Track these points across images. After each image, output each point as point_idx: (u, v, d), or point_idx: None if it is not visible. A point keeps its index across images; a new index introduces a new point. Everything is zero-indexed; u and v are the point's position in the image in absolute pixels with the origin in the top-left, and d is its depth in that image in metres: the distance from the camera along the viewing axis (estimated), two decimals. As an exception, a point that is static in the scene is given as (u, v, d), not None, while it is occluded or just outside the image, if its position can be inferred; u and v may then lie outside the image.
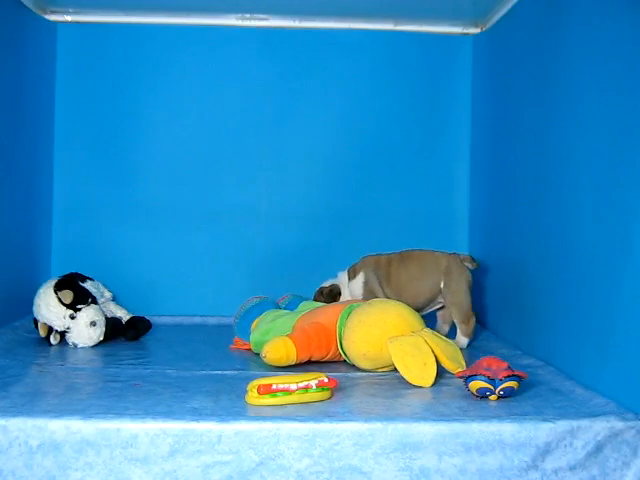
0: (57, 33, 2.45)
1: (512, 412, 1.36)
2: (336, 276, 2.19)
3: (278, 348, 1.69)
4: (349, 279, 2.15)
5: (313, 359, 1.75)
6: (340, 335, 1.75)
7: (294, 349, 1.69)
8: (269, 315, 1.95)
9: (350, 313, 1.76)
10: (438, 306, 2.11)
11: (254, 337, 1.89)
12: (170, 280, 2.48)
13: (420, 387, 1.56)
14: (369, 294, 2.07)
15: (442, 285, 2.07)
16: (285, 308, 2.13)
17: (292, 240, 2.49)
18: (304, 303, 2.06)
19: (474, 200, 2.51)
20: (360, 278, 2.12)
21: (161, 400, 1.41)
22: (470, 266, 2.11)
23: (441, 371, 1.60)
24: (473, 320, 2.06)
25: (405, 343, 1.61)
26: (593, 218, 1.54)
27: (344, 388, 1.54)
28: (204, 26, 2.47)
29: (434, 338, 1.64)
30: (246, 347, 1.96)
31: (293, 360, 1.70)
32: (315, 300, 2.14)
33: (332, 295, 2.15)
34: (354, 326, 1.71)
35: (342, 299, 2.13)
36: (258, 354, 1.82)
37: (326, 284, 2.18)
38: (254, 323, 1.96)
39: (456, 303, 2.06)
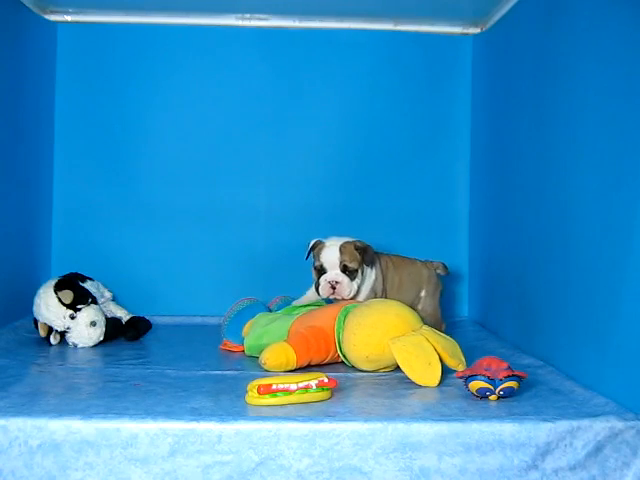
0: (57, 33, 2.45)
1: (512, 412, 1.36)
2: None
3: (278, 355, 1.67)
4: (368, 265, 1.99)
5: (313, 363, 1.73)
6: (339, 338, 1.73)
7: (294, 355, 1.67)
8: (262, 319, 1.92)
9: (347, 315, 1.74)
10: None
11: (248, 341, 1.87)
12: (170, 280, 2.48)
13: (426, 387, 1.56)
14: (372, 293, 2.01)
15: (423, 294, 2.10)
16: (276, 311, 2.08)
17: (292, 240, 2.47)
18: (293, 306, 2.03)
19: (474, 200, 2.50)
20: (376, 272, 2.02)
21: (161, 400, 1.41)
22: (442, 273, 2.14)
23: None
24: (443, 328, 2.07)
25: (408, 343, 1.60)
26: (594, 218, 1.53)
27: (344, 388, 1.54)
28: (204, 26, 2.47)
29: (434, 335, 1.64)
30: (236, 349, 1.95)
31: (293, 366, 1.68)
32: (346, 256, 1.92)
33: (371, 254, 1.96)
34: (353, 329, 1.69)
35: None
36: (252, 357, 1.82)
37: (337, 241, 1.96)
38: (246, 327, 1.93)
39: (430, 312, 2.09)
